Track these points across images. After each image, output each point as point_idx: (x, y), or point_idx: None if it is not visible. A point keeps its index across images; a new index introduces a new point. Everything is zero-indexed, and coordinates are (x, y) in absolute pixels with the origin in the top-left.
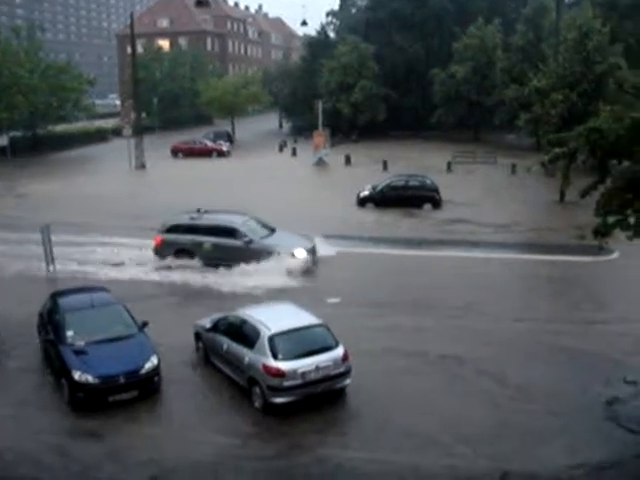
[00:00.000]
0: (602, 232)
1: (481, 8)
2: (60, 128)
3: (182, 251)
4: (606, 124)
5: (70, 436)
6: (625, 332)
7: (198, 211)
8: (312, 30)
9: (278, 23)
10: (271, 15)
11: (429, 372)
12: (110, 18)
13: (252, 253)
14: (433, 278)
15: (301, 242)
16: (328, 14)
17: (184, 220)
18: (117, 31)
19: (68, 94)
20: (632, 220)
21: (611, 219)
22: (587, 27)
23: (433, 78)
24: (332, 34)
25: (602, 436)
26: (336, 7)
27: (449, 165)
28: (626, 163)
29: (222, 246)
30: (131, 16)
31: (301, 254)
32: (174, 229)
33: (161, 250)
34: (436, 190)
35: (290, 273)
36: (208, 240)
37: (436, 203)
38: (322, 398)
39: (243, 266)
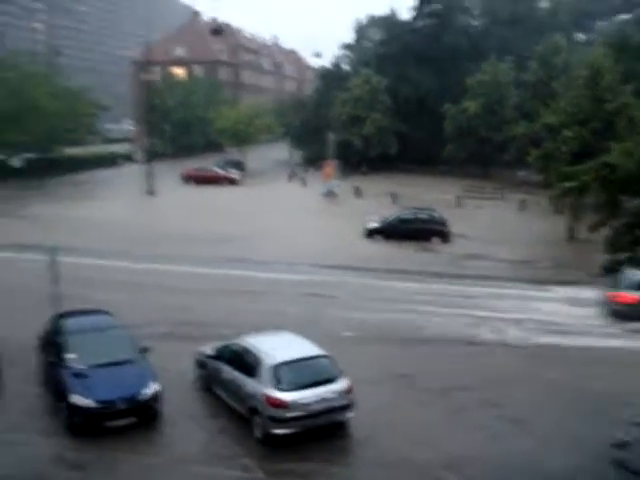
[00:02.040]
0: (612, 268)
1: (494, 45)
2: (74, 151)
3: None
4: (617, 159)
5: (57, 464)
6: None
7: None
8: (326, 62)
9: (292, 54)
10: (285, 46)
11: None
12: (127, 45)
13: None
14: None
15: None
16: (342, 47)
17: None
18: (133, 58)
19: (82, 118)
20: None
21: (621, 256)
22: (599, 66)
23: (445, 113)
24: (346, 67)
25: None
26: (351, 40)
27: (458, 200)
28: (637, 200)
29: None
30: (146, 44)
31: None
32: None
33: (629, 311)
34: (445, 224)
35: None
36: None
37: (445, 237)
38: (324, 430)
39: None
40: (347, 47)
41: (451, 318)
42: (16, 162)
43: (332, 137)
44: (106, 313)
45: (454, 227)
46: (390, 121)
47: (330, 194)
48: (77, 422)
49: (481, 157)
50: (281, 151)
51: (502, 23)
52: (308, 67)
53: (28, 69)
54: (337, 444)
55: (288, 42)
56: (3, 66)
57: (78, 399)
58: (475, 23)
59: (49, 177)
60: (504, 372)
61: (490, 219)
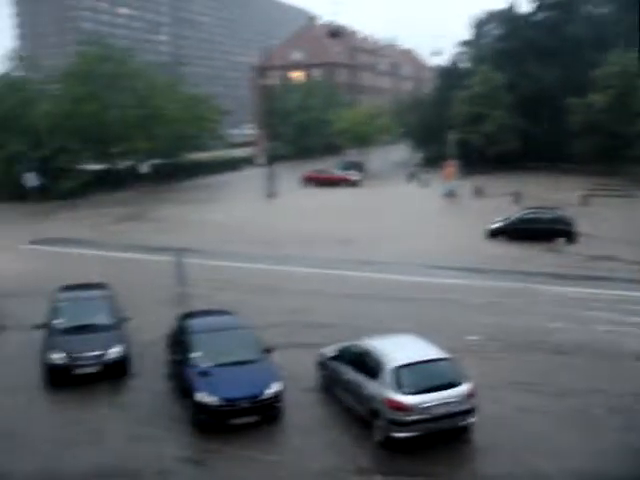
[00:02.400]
0: None
1: (621, 33)
2: (197, 156)
3: None
4: None
5: (182, 460)
6: None
7: None
8: (444, 61)
9: (409, 54)
10: (402, 46)
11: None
12: (247, 52)
13: None
14: None
15: None
16: (460, 44)
17: None
18: (253, 64)
19: (205, 124)
20: None
21: None
22: None
23: (568, 107)
24: (464, 64)
25: None
26: (469, 37)
27: (585, 198)
28: None
29: None
30: (265, 50)
31: None
32: None
33: None
34: (571, 223)
35: None
36: None
37: (571, 237)
38: (445, 435)
39: None
40: (465, 44)
41: (582, 323)
42: (144, 168)
43: (452, 136)
44: (230, 313)
45: (580, 227)
46: (510, 118)
47: (450, 194)
48: (202, 419)
49: (608, 153)
50: (400, 152)
51: (631, 9)
52: (425, 66)
53: (155, 79)
54: (458, 450)
55: (404, 42)
56: (132, 77)
57: (203, 397)
58: (601, 11)
59: (174, 181)
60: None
61: (620, 218)
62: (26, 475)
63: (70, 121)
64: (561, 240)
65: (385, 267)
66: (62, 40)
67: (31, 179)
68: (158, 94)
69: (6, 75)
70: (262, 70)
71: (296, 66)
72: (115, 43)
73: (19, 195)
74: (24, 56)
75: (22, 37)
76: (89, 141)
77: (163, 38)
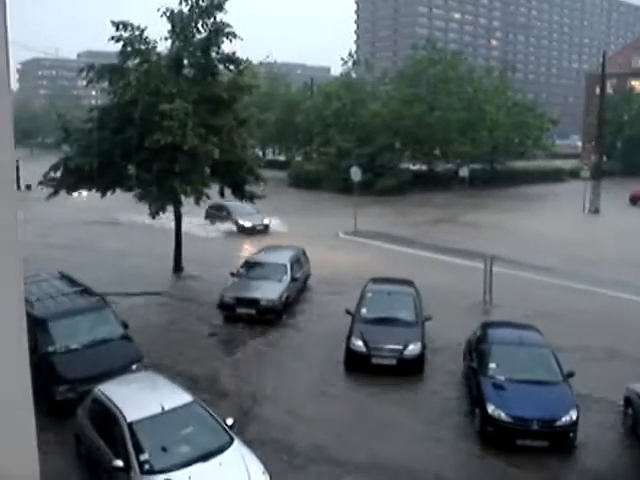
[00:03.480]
0: None
1: None
2: (517, 164)
3: None
4: None
5: (460, 469)
6: None
7: None
8: None
9: None
10: None
11: None
12: (581, 58)
13: None
14: None
15: None
16: None
17: None
18: (586, 71)
19: (530, 132)
20: None
21: None
22: None
23: None
24: None
25: None
26: None
27: None
28: None
29: None
30: (603, 56)
31: None
32: None
33: None
34: None
35: None
36: None
37: None
38: None
39: None
40: None
41: None
42: (463, 172)
43: None
44: (534, 329)
45: None
46: None
47: None
48: (489, 432)
49: None
50: None
51: None
52: None
53: (481, 84)
54: None
55: None
56: (459, 81)
57: (494, 410)
58: None
59: (491, 188)
60: None
61: None
62: (306, 450)
63: (396, 121)
64: None
65: None
66: (396, 45)
67: (356, 173)
68: (484, 99)
69: (345, 76)
70: (599, 78)
71: (636, 74)
72: (446, 47)
73: (343, 187)
74: (362, 60)
75: (360, 41)
76: (411, 142)
77: (494, 43)
